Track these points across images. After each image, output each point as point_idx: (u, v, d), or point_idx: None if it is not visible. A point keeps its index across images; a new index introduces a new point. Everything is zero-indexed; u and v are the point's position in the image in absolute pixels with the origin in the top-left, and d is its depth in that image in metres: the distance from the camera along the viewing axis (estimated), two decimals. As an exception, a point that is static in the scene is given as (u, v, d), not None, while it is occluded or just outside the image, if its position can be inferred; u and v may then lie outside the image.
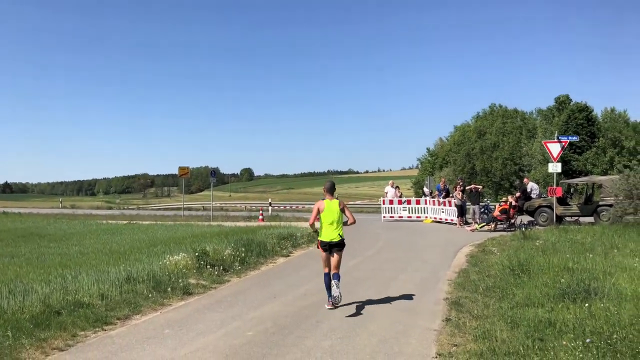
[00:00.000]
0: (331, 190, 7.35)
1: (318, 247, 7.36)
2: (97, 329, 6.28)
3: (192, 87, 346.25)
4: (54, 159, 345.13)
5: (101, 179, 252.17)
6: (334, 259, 7.24)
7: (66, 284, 7.73)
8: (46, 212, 38.43)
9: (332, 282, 7.18)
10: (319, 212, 7.24)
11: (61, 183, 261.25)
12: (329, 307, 7.24)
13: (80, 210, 41.96)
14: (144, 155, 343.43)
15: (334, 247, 7.22)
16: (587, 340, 4.72)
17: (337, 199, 7.41)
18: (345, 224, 7.35)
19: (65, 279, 8.08)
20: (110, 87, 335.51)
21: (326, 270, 7.34)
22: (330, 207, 7.21)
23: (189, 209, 39.92)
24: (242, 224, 21.24)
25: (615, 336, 4.80)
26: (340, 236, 7.21)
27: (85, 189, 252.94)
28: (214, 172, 29.22)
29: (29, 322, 6.00)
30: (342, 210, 7.27)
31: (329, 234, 7.19)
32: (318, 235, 7.36)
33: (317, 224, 7.48)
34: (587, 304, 6.02)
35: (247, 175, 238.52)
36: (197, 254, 10.23)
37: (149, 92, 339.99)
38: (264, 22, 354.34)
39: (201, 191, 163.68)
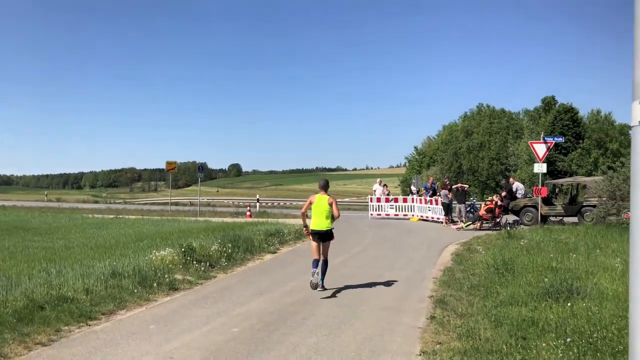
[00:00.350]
0: (325, 187, 8.28)
1: (308, 236, 8.29)
2: (81, 324, 6.24)
3: (181, 82, 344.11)
4: (40, 151, 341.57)
5: (88, 173, 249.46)
6: (322, 247, 8.11)
7: (50, 278, 7.66)
8: (31, 205, 38.00)
9: (317, 269, 8.00)
10: (310, 203, 8.17)
11: (47, 176, 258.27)
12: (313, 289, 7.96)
13: (66, 203, 41.57)
14: (131, 149, 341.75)
15: (323, 237, 8.07)
16: (568, 340, 4.79)
17: (328, 195, 8.22)
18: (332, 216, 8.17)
19: (50, 273, 8.01)
20: (98, 80, 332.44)
21: (315, 257, 8.08)
22: (320, 201, 8.10)
23: (176, 204, 39.76)
24: (229, 219, 21.19)
25: (596, 335, 4.88)
26: (329, 227, 8.08)
27: (71, 182, 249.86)
28: (202, 167, 29.20)
29: (11, 317, 5.95)
30: (330, 205, 8.06)
31: (318, 224, 8.05)
32: (307, 229, 8.25)
33: (307, 221, 8.35)
34: (569, 304, 6.10)
35: (235, 171, 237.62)
36: (183, 249, 10.19)
37: (138, 86, 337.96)
38: (254, 24, 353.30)
39: (188, 186, 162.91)
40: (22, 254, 11.11)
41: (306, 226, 8.31)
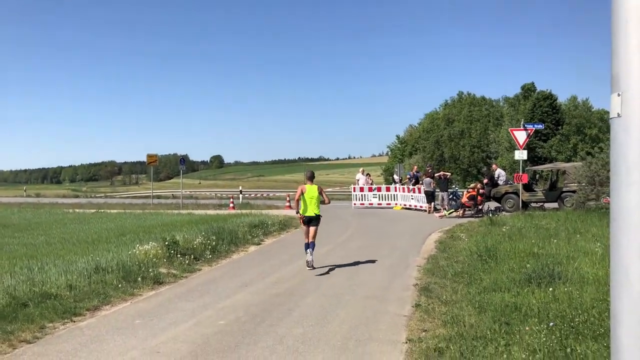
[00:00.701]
0: (311, 178, 9.42)
1: (300, 221, 9.48)
2: (65, 321, 6.19)
3: (160, 73, 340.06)
4: (17, 145, 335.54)
5: (67, 167, 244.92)
6: (311, 230, 9.22)
7: (33, 275, 7.57)
8: (9, 200, 37.37)
9: (307, 250, 9.20)
10: (302, 192, 9.19)
11: (25, 171, 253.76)
12: (309, 268, 9.11)
13: (46, 198, 40.86)
14: (111, 143, 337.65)
15: (312, 221, 9.20)
16: (551, 324, 4.87)
17: (315, 184, 9.31)
18: (323, 203, 9.35)
19: (32, 270, 7.91)
20: (75, 73, 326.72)
21: (306, 240, 9.29)
22: (311, 190, 9.21)
23: (158, 197, 39.35)
24: (212, 212, 21.09)
25: (577, 319, 4.97)
26: (318, 212, 9.26)
27: (50, 176, 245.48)
28: (183, 159, 28.84)
29: (-6, 315, 5.87)
30: (320, 193, 9.23)
31: (310, 210, 9.19)
32: (300, 213, 9.29)
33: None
34: (551, 288, 6.20)
35: (217, 162, 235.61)
36: (167, 242, 10.11)
37: (117, 78, 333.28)
38: (238, 5, 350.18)
39: (170, 179, 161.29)
40: (2, 251, 10.95)
41: (299, 212, 9.30)
